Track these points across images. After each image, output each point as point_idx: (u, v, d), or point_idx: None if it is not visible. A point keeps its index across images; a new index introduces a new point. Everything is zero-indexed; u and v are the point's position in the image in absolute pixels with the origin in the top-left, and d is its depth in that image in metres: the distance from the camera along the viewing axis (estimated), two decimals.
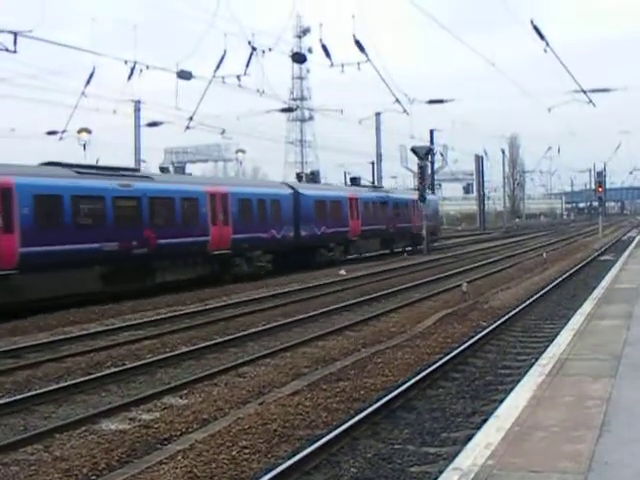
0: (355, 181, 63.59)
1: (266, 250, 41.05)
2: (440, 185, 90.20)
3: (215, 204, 37.82)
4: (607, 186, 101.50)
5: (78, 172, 31.24)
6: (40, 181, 28.84)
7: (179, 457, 10.51)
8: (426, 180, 62.34)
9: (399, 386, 14.12)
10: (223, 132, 49.04)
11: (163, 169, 45.08)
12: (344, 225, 50.54)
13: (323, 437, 10.97)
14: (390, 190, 67.44)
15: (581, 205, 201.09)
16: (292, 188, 46.45)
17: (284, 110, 56.74)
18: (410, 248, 60.65)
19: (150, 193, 33.85)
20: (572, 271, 37.28)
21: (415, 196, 61.82)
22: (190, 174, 49.68)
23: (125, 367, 17.25)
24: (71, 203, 29.70)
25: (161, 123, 51.57)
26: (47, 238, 27.99)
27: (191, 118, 41.95)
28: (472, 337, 19.23)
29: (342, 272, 40.59)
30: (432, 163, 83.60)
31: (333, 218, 49.22)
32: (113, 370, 16.98)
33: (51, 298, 27.42)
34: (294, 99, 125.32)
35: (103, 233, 30.69)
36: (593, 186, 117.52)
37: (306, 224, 45.77)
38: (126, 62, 35.69)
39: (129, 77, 36.76)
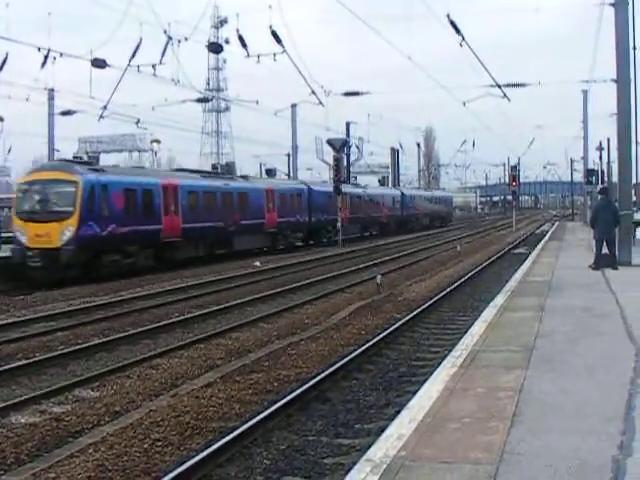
0: (270, 173, 63.81)
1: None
2: (356, 177, 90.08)
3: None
4: (521, 180, 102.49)
5: (203, 176, 48.29)
6: (189, 182, 44.12)
7: (90, 450, 10.39)
8: (341, 172, 62.72)
9: (313, 378, 14.13)
10: (138, 122, 48.71)
11: (76, 157, 44.59)
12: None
13: (236, 429, 10.94)
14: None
15: (495, 199, 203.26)
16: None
17: (200, 100, 56.64)
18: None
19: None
20: (485, 264, 37.72)
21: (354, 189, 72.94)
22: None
23: (36, 359, 16.97)
24: (204, 195, 44.67)
25: (75, 112, 51.02)
26: None
27: (105, 107, 41.58)
28: (386, 329, 19.31)
29: (257, 264, 40.51)
30: (348, 156, 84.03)
31: None
32: (24, 362, 16.68)
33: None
34: (210, 90, 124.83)
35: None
36: (507, 180, 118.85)
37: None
38: (39, 49, 35.22)
39: (42, 65, 36.34)
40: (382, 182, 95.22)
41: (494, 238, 65.93)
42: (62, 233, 33.26)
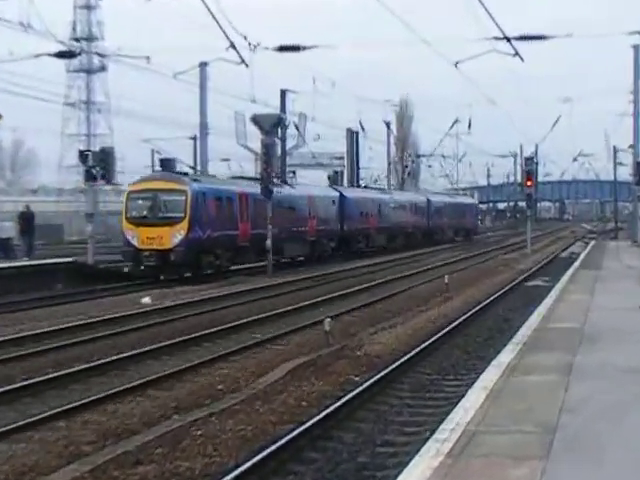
0: (168, 164, 63.47)
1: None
2: (294, 172, 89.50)
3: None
4: (540, 178, 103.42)
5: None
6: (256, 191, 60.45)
7: None
8: (273, 165, 62.16)
9: (229, 472, 14.08)
10: None
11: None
12: None
13: None
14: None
15: (501, 206, 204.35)
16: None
17: (62, 54, 56.22)
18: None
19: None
20: (486, 302, 37.85)
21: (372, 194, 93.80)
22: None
23: None
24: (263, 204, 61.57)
25: None
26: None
27: None
28: (339, 398, 19.35)
29: (146, 300, 40.36)
30: (283, 140, 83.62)
31: None
32: None
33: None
34: (77, 39, 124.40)
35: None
36: (519, 178, 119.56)
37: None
38: None
39: None
40: (334, 179, 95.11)
41: (499, 264, 66.29)
42: (173, 236, 51.17)
